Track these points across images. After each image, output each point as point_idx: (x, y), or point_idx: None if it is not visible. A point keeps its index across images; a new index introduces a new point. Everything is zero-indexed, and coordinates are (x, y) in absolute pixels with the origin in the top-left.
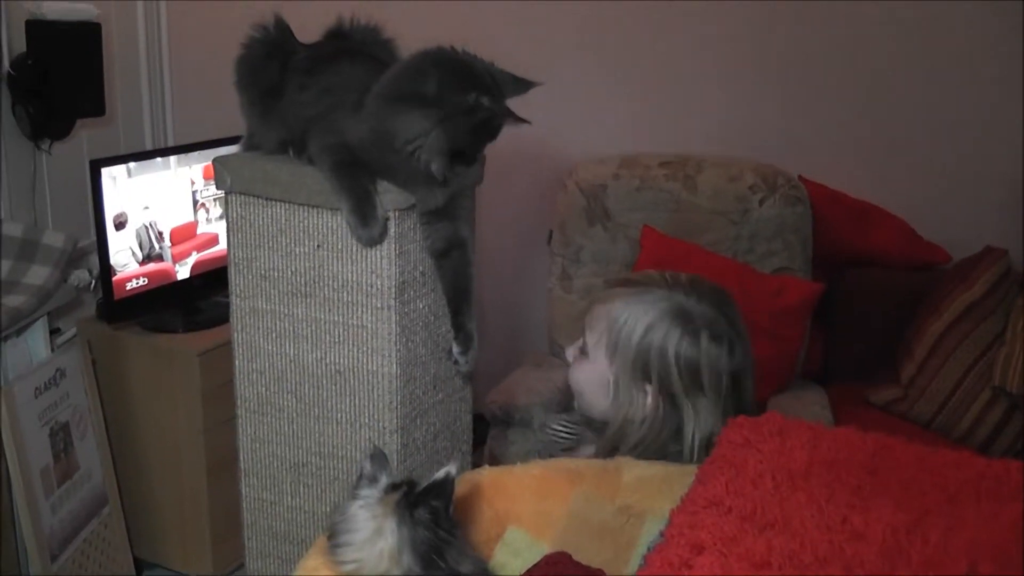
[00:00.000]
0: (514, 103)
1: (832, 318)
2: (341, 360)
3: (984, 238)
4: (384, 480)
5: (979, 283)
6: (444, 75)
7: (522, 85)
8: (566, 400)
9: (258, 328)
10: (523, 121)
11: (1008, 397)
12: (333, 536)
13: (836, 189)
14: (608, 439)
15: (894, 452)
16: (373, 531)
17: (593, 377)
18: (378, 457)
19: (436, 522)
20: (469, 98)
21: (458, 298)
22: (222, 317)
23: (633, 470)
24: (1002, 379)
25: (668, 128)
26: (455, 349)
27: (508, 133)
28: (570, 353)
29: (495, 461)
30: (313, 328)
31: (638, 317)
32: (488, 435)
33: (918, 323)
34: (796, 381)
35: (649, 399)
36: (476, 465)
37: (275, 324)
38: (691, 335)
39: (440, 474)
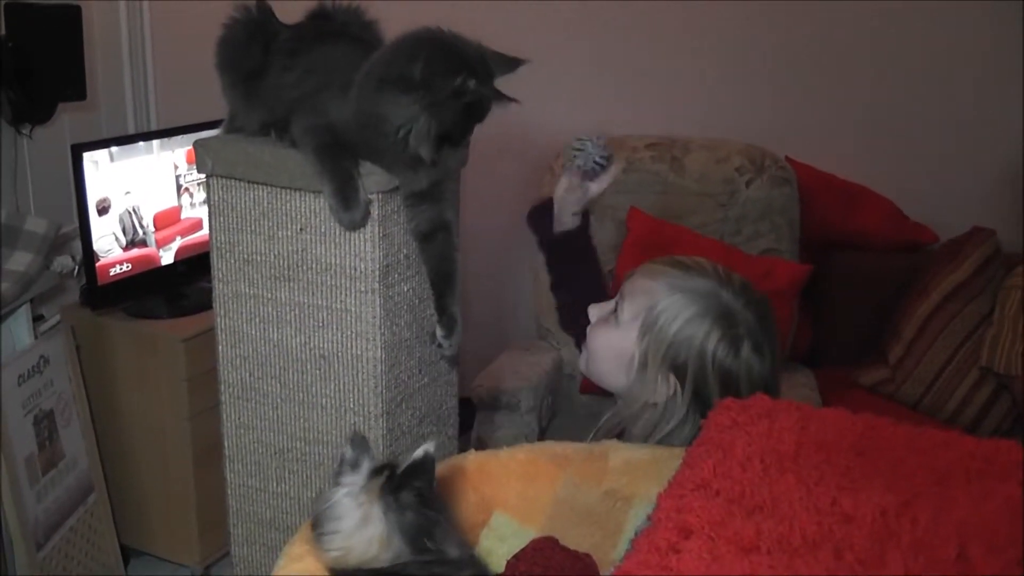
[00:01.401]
0: (502, 84)
1: (820, 300)
2: (325, 344)
3: (971, 218)
4: (367, 465)
5: (966, 264)
6: (431, 58)
7: (510, 64)
8: (553, 383)
9: (241, 313)
10: (512, 100)
11: (995, 377)
12: (318, 525)
13: (823, 170)
14: (621, 416)
15: (883, 433)
16: (360, 519)
17: (615, 345)
18: (359, 442)
19: (422, 503)
20: (456, 81)
21: (442, 281)
22: (207, 303)
23: (620, 453)
24: (989, 359)
25: (655, 110)
26: (439, 332)
27: (495, 116)
28: (594, 313)
29: (482, 445)
30: (297, 312)
31: (682, 305)
32: (475, 419)
33: (905, 304)
34: (785, 364)
35: (671, 390)
36: (463, 449)
37: (258, 309)
38: (733, 341)
39: (418, 453)
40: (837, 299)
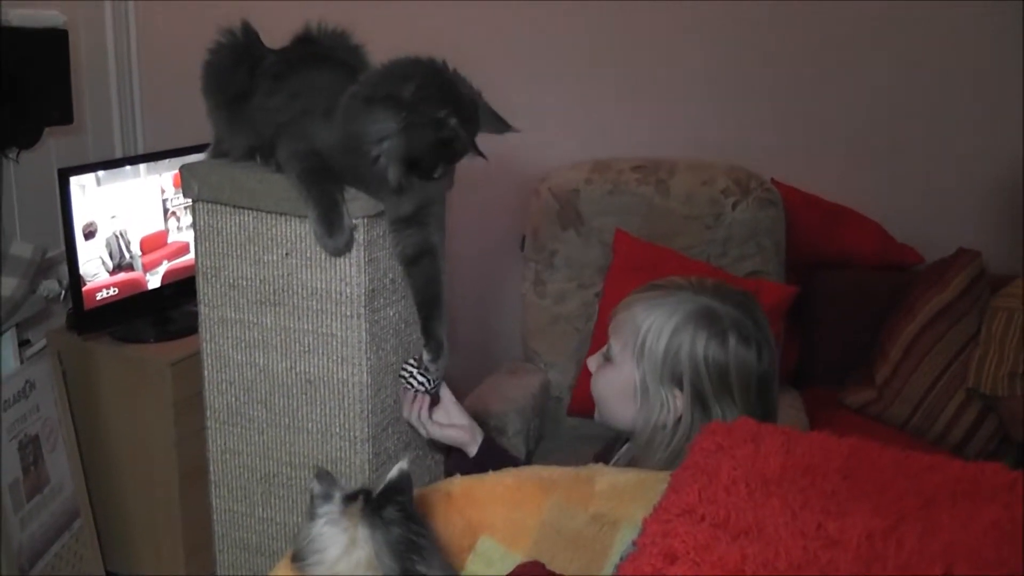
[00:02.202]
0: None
1: (806, 321)
2: (311, 369)
3: (957, 240)
4: (338, 494)
5: (952, 285)
6: (425, 83)
7: (499, 126)
8: (539, 406)
9: (227, 337)
10: (482, 157)
11: (982, 398)
12: (301, 558)
13: (809, 192)
14: (638, 447)
15: (869, 456)
16: (346, 544)
17: (618, 383)
18: (324, 476)
19: (407, 518)
20: (440, 113)
21: (428, 305)
22: (194, 326)
23: (606, 477)
24: (976, 380)
25: (640, 132)
26: (425, 357)
27: (478, 139)
28: (592, 363)
29: None
30: (283, 337)
31: (664, 319)
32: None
33: (892, 325)
34: None
35: (679, 402)
36: (450, 474)
37: (244, 333)
38: (719, 336)
39: (394, 473)
40: (823, 320)
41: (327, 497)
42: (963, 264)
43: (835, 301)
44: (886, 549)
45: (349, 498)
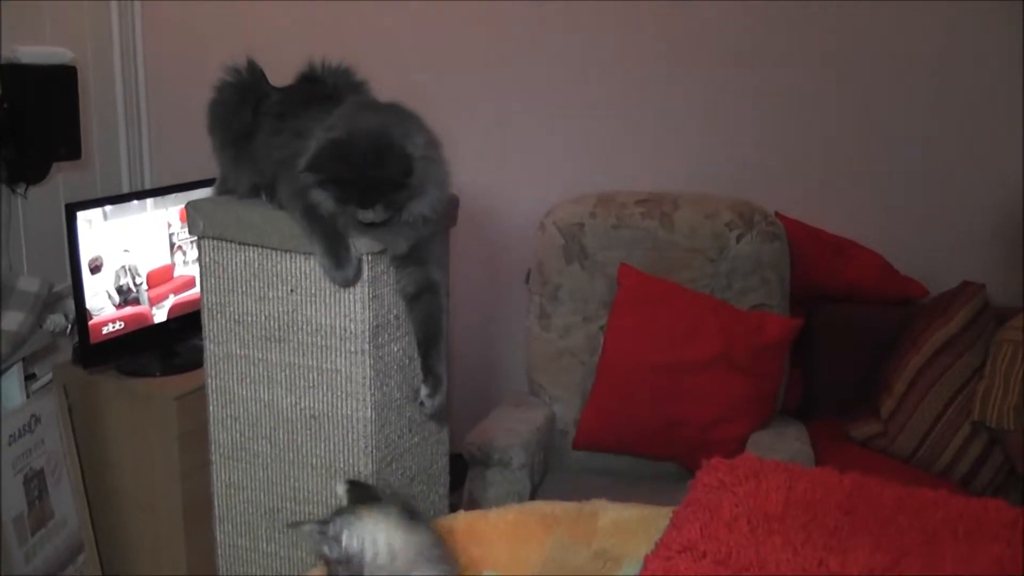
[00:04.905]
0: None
1: (810, 353)
2: (316, 405)
3: (961, 272)
4: (333, 517)
5: (957, 318)
6: (321, 148)
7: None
8: (545, 439)
9: (232, 373)
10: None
11: (988, 431)
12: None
13: (812, 225)
14: None
15: (871, 492)
16: (371, 530)
17: None
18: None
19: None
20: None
21: (428, 341)
22: (199, 361)
23: (609, 513)
24: (981, 414)
25: (644, 166)
26: (423, 391)
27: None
28: None
29: (474, 502)
30: (287, 373)
31: None
32: (467, 476)
33: (896, 358)
34: (776, 417)
35: None
36: (455, 507)
37: (249, 369)
38: None
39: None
40: (828, 353)
41: (324, 531)
42: (967, 297)
43: (839, 334)
44: None
45: (338, 512)
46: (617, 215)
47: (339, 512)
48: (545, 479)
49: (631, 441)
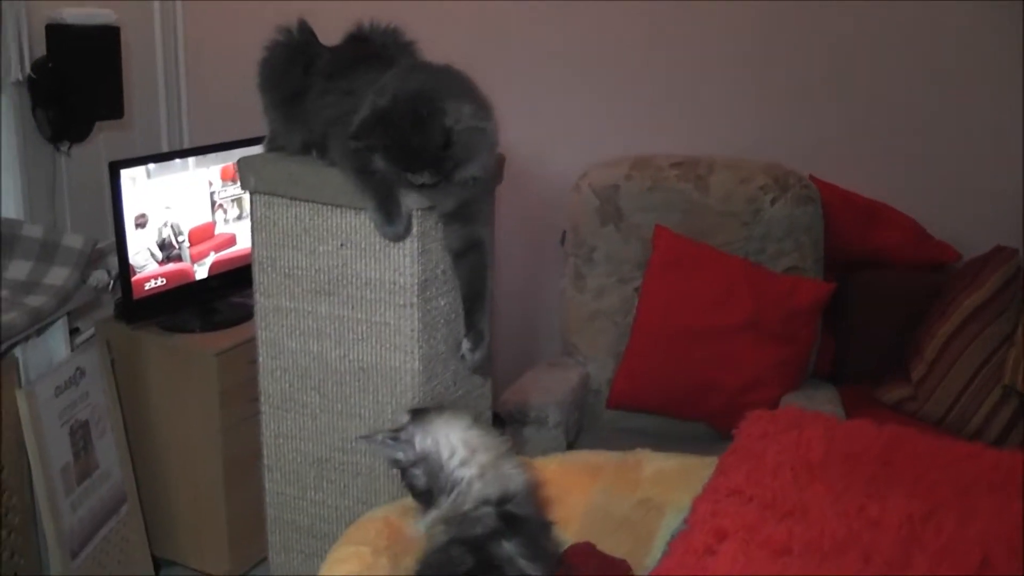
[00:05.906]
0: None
1: (843, 318)
2: (364, 357)
3: (994, 236)
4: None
5: (988, 283)
6: (369, 115)
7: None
8: (579, 399)
9: (282, 326)
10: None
11: (1018, 397)
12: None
13: (846, 189)
14: None
15: (908, 444)
16: (449, 433)
17: None
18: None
19: None
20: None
21: (472, 297)
22: (239, 317)
23: (653, 463)
24: (1012, 379)
25: (679, 129)
26: (465, 345)
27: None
28: None
29: None
30: (336, 325)
31: None
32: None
33: (928, 323)
34: (808, 381)
35: None
36: None
37: (299, 322)
38: None
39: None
40: (860, 317)
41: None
42: (1000, 262)
43: (872, 299)
44: (925, 533)
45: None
46: (653, 178)
47: (410, 418)
48: (579, 438)
49: (664, 402)
